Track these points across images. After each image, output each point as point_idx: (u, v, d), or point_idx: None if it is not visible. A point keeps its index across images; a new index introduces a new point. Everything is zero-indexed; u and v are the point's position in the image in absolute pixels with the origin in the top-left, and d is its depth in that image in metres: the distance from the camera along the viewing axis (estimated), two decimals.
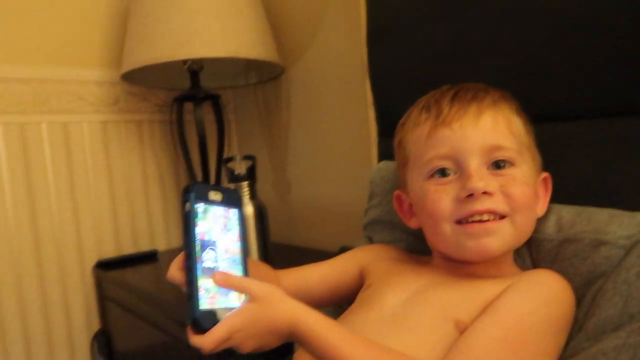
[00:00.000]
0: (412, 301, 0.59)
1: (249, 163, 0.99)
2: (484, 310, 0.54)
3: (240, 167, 0.98)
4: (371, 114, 1.01)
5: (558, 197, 0.62)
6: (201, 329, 0.47)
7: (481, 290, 0.57)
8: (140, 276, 1.31)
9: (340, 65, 1.30)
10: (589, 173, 0.66)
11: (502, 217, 0.57)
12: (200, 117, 1.37)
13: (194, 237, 0.49)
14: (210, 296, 0.49)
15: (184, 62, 1.33)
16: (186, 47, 1.18)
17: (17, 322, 1.32)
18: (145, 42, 1.22)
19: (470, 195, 0.56)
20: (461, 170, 0.58)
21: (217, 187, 0.53)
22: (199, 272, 0.49)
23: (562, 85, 0.68)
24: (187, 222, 0.50)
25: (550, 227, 0.63)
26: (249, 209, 0.99)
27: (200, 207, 0.51)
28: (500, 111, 0.60)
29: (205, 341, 0.47)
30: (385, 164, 0.86)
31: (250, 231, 0.99)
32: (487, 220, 0.57)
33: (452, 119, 0.60)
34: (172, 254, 1.50)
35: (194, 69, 1.35)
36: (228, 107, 1.67)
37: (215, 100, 1.42)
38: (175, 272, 0.53)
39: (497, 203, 0.57)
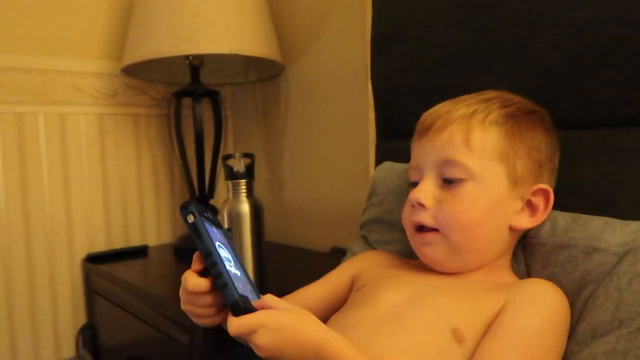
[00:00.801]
0: (409, 303, 0.59)
1: (248, 161, 0.99)
2: (487, 327, 0.55)
3: (240, 165, 0.98)
4: (371, 116, 1.02)
5: (555, 203, 0.63)
6: (240, 311, 0.47)
7: (480, 302, 0.57)
8: (130, 270, 1.31)
9: (342, 66, 1.31)
10: (586, 181, 0.67)
11: (436, 229, 0.60)
12: (199, 113, 1.37)
13: (210, 237, 0.50)
14: (239, 286, 0.49)
15: (186, 57, 1.33)
16: (189, 43, 1.19)
17: (3, 312, 1.31)
18: (148, 35, 1.22)
19: (413, 205, 0.62)
20: None
21: (205, 207, 0.54)
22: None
23: (567, 95, 0.70)
24: (197, 227, 0.50)
25: (545, 232, 0.64)
26: (246, 207, 0.99)
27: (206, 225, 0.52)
28: (464, 125, 0.60)
29: (233, 323, 0.47)
30: (389, 164, 0.87)
31: (246, 230, 0.99)
32: (423, 232, 0.62)
33: (423, 132, 0.64)
34: (162, 249, 1.51)
35: (195, 64, 1.36)
36: (226, 103, 1.68)
37: (214, 97, 1.42)
38: (196, 279, 0.52)
39: (426, 217, 0.61)
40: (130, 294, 1.16)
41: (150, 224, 1.58)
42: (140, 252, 1.47)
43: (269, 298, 0.51)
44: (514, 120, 0.61)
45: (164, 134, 1.57)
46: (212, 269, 0.49)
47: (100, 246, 1.47)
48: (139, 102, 1.53)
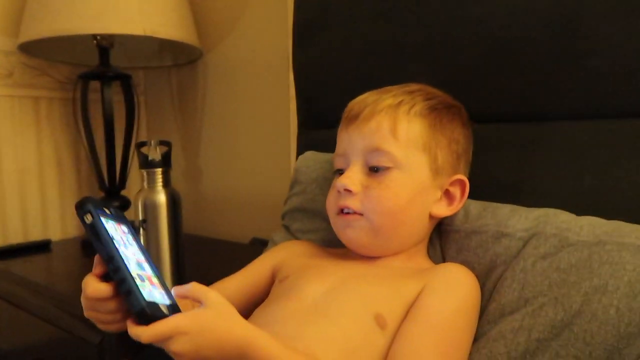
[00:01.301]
0: (333, 292, 0.59)
1: (165, 149, 0.95)
2: (408, 311, 0.57)
3: (155, 153, 0.93)
4: (293, 105, 1.02)
5: (469, 192, 0.67)
6: (147, 319, 0.43)
7: (401, 287, 0.59)
8: (30, 267, 1.21)
9: (263, 53, 1.29)
10: (494, 172, 0.72)
11: (362, 213, 0.62)
12: (108, 98, 1.28)
13: (112, 238, 0.45)
14: (145, 291, 0.45)
15: (94, 37, 1.24)
16: (98, 21, 1.10)
17: None
18: (49, 10, 1.11)
19: (340, 191, 0.63)
20: None
21: (103, 202, 0.50)
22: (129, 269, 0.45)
23: (478, 91, 0.74)
24: (96, 228, 0.45)
25: (458, 220, 0.67)
26: (162, 197, 0.95)
27: (104, 222, 0.47)
28: (390, 115, 0.62)
29: (146, 332, 0.43)
30: (312, 153, 0.87)
31: (162, 222, 0.95)
32: (347, 214, 0.63)
33: (349, 121, 0.65)
34: (67, 244, 1.41)
35: (104, 45, 1.27)
36: (138, 88, 1.58)
37: (125, 81, 1.34)
38: (96, 285, 0.47)
39: (353, 201, 0.62)
40: (32, 292, 1.07)
41: (54, 216, 1.47)
42: (42, 247, 1.36)
43: (196, 286, 0.48)
44: (436, 113, 0.64)
45: (68, 119, 1.46)
46: (114, 274, 0.44)
47: None
48: (39, 83, 1.41)
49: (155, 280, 0.48)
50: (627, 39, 0.63)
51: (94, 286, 0.47)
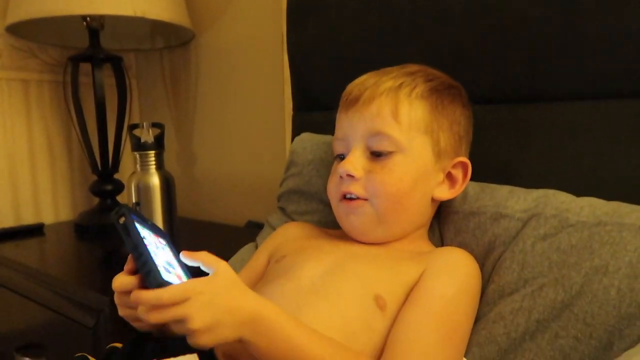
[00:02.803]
0: (332, 273, 0.58)
1: (157, 131, 0.94)
2: (407, 295, 0.56)
3: (148, 135, 0.92)
4: (287, 88, 1.00)
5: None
6: None
7: (401, 269, 0.58)
8: (23, 251, 1.20)
9: (257, 35, 1.27)
10: (493, 153, 0.71)
11: (366, 199, 0.61)
12: (99, 80, 1.26)
13: (140, 237, 0.45)
14: (168, 279, 0.44)
15: (83, 18, 1.21)
16: (87, 2, 1.08)
17: None
18: None
19: (342, 177, 0.62)
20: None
21: (142, 216, 0.50)
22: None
23: (476, 72, 0.73)
24: (127, 226, 0.45)
25: (457, 201, 0.67)
26: (155, 179, 0.94)
27: (137, 224, 0.47)
28: (392, 98, 0.61)
29: (166, 293, 0.42)
30: (308, 135, 0.86)
31: (156, 204, 0.94)
32: (351, 199, 0.62)
33: (349, 104, 0.63)
34: (60, 227, 1.39)
35: (94, 26, 1.24)
36: (130, 71, 1.56)
37: (116, 63, 1.31)
38: (122, 278, 0.47)
39: (356, 187, 0.61)
40: (26, 276, 1.06)
41: (46, 200, 1.45)
42: (34, 231, 1.35)
43: (208, 254, 0.47)
44: (437, 94, 0.63)
45: (59, 102, 1.43)
46: (137, 259, 0.44)
47: None
48: (28, 66, 1.38)
49: (184, 279, 0.48)
50: (628, 19, 0.62)
51: (119, 279, 0.47)
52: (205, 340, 0.43)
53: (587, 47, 0.65)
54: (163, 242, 0.51)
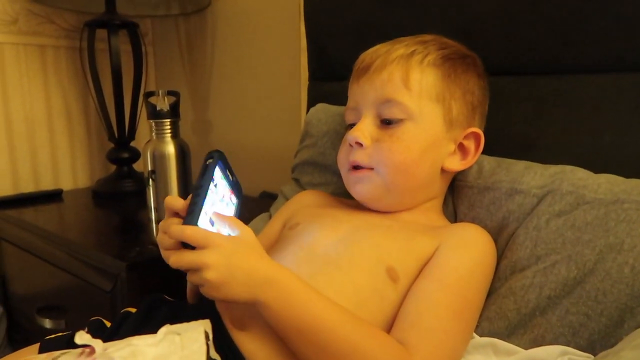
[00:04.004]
0: (345, 241, 0.59)
1: (172, 99, 0.93)
2: (420, 268, 0.56)
3: (163, 103, 0.92)
4: (304, 56, 0.99)
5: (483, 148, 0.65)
6: None
7: (415, 242, 0.58)
8: (42, 216, 1.22)
9: (274, 2, 1.24)
10: (510, 126, 0.70)
11: (371, 167, 0.61)
12: (115, 47, 1.26)
13: (210, 182, 0.49)
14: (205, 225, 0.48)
15: None
16: None
17: None
18: None
19: (351, 145, 0.62)
20: None
21: (231, 169, 0.55)
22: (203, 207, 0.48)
23: (496, 41, 0.70)
24: (207, 167, 0.50)
25: (471, 175, 0.66)
26: (171, 148, 0.94)
27: (217, 172, 0.51)
28: (402, 65, 0.60)
29: (187, 230, 0.45)
30: (323, 106, 0.85)
31: (171, 172, 0.94)
32: (359, 169, 0.62)
33: (361, 72, 0.63)
34: (78, 193, 1.42)
35: None
36: (146, 38, 1.55)
37: (132, 29, 1.30)
38: (175, 197, 0.51)
39: (362, 155, 0.61)
40: (45, 240, 1.08)
41: (64, 167, 1.47)
42: (53, 196, 1.37)
43: (234, 218, 0.50)
44: (450, 63, 0.62)
45: (76, 68, 1.43)
46: (192, 197, 0.48)
47: (6, 190, 1.34)
48: (44, 31, 1.38)
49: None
50: None
51: (174, 198, 0.50)
52: (217, 294, 0.46)
53: (611, 15, 0.62)
54: (235, 201, 0.55)
